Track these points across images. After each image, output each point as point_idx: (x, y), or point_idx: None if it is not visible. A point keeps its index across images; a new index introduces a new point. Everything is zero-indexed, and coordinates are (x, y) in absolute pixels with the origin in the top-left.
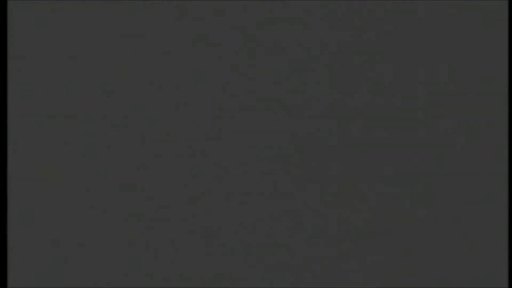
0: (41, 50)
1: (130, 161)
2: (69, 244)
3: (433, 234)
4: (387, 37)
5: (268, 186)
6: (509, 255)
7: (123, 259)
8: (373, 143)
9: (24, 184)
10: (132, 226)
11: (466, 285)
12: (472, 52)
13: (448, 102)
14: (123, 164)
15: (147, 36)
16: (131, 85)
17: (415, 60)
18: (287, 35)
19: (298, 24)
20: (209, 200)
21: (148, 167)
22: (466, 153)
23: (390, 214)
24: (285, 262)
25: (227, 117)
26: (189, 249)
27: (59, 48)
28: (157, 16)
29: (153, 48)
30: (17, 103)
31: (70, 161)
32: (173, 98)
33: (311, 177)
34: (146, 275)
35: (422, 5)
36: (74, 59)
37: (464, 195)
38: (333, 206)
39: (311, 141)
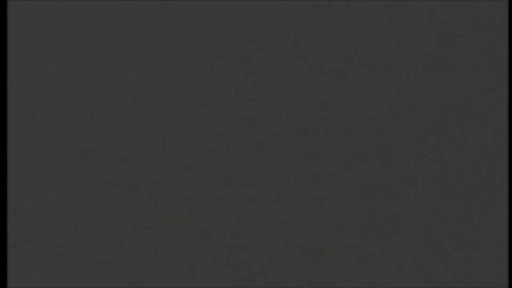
0: (41, 50)
1: (130, 161)
2: (69, 244)
3: (433, 234)
4: (387, 37)
5: (274, 187)
6: (509, 255)
7: (123, 259)
8: (373, 142)
9: (24, 184)
10: (133, 226)
11: (466, 285)
12: (472, 52)
13: (448, 102)
14: (123, 164)
15: (148, 36)
16: (131, 85)
17: (414, 60)
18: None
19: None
20: (213, 200)
21: (150, 167)
22: (466, 153)
23: (389, 214)
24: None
25: (231, 118)
26: (191, 251)
27: (59, 48)
28: (158, 15)
29: (154, 48)
30: (17, 103)
31: (70, 160)
32: (173, 98)
33: (314, 177)
34: (147, 276)
35: (422, 5)
36: (74, 58)
37: (464, 195)
38: (333, 206)
39: (314, 141)
